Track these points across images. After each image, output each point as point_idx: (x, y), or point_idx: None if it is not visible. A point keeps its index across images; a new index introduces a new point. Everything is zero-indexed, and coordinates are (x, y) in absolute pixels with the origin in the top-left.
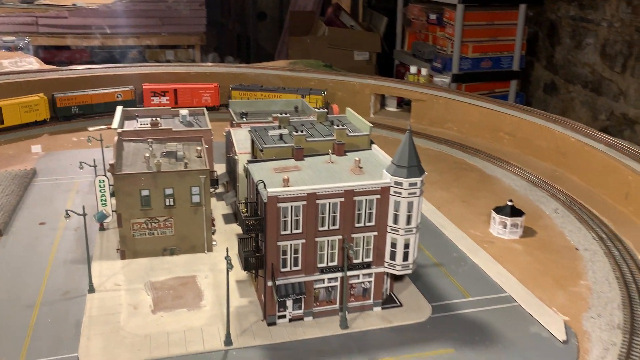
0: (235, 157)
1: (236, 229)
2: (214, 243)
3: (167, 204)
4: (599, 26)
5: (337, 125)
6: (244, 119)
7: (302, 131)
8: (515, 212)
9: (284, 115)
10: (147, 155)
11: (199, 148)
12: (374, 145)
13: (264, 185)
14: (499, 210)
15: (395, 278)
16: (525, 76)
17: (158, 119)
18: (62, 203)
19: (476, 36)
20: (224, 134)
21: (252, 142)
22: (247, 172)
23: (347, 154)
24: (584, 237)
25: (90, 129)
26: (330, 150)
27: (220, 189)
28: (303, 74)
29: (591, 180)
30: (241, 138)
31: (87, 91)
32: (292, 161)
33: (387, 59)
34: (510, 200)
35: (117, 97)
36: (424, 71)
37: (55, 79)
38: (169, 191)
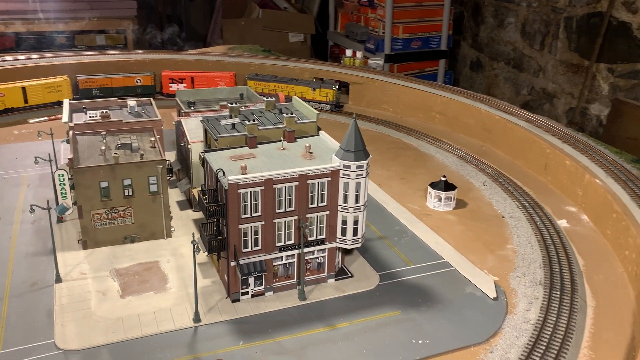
0: (188, 145)
1: (191, 214)
2: (172, 229)
3: (126, 194)
4: (519, 6)
5: (286, 114)
6: (192, 108)
7: (253, 120)
8: (448, 186)
9: (234, 104)
10: (103, 147)
11: (152, 139)
12: (321, 132)
13: (224, 173)
14: (434, 185)
15: (346, 252)
16: (453, 55)
17: (107, 110)
18: (14, 198)
19: (406, 17)
20: (174, 123)
21: (205, 131)
22: (203, 161)
23: (297, 140)
24: (509, 206)
25: (31, 121)
26: (281, 138)
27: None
28: (244, 60)
29: (514, 154)
30: (192, 127)
31: (108, 75)
32: (247, 149)
33: (321, 40)
34: (444, 176)
35: (137, 82)
36: (359, 54)
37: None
38: (127, 182)
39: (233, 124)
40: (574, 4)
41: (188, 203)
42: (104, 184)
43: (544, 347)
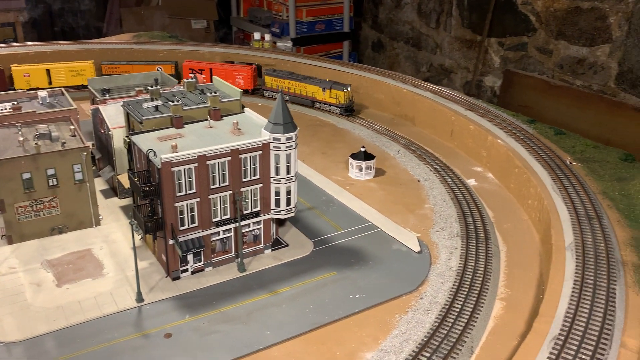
0: (109, 132)
1: (118, 202)
2: (100, 217)
3: (51, 184)
4: None
5: (208, 93)
6: (107, 95)
7: (176, 101)
8: (367, 156)
9: (154, 87)
10: (21, 139)
11: (72, 127)
12: (246, 109)
13: (155, 153)
14: (354, 156)
15: (280, 223)
16: (355, 37)
17: (17, 102)
18: None
19: (309, 0)
20: (89, 112)
21: (128, 115)
22: (130, 145)
23: (223, 118)
24: (423, 170)
25: None
26: (207, 117)
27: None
28: (152, 47)
29: (422, 123)
30: (112, 113)
31: (131, 62)
32: (173, 129)
33: (225, 26)
34: (363, 147)
35: (158, 70)
36: (267, 37)
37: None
38: (51, 171)
39: (156, 106)
40: None
41: (112, 191)
42: (26, 175)
43: (467, 289)
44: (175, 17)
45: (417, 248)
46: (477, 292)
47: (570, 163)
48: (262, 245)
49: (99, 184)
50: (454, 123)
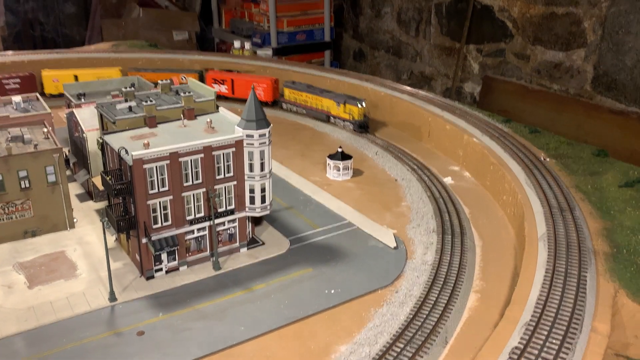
0: (83, 134)
1: (93, 205)
2: (75, 220)
3: (23, 186)
4: None
5: (183, 94)
6: (82, 100)
7: (149, 102)
8: (345, 156)
9: (128, 89)
10: None
11: (45, 130)
12: (220, 108)
13: (126, 151)
14: (331, 157)
15: (256, 222)
16: (337, 46)
17: None
18: None
19: (289, 11)
20: (64, 117)
21: (101, 117)
22: (103, 145)
23: (197, 117)
24: (400, 170)
25: None
26: (181, 116)
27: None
28: (129, 55)
29: (400, 125)
30: (86, 116)
31: (157, 70)
32: (147, 129)
33: (206, 38)
34: (340, 147)
35: (182, 79)
36: (247, 45)
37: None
38: (23, 173)
39: (130, 107)
40: None
41: (88, 195)
42: None
43: (441, 282)
44: (156, 29)
45: (393, 244)
46: (452, 285)
47: (545, 159)
48: (237, 243)
49: (75, 188)
50: (430, 124)
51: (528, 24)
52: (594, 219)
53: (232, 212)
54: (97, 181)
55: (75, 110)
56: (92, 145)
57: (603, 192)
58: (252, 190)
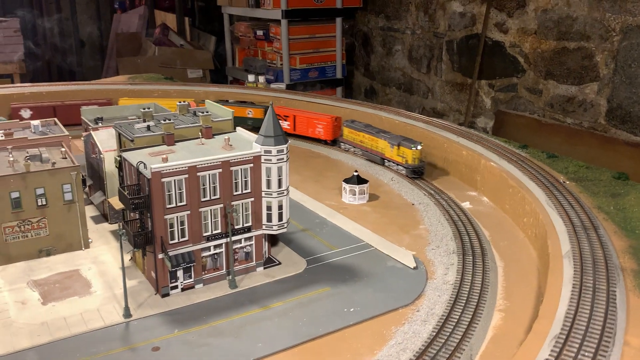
0: (101, 155)
1: (108, 227)
2: (90, 240)
3: (40, 204)
4: (404, 34)
5: (201, 114)
6: (100, 124)
7: (168, 121)
8: (361, 180)
9: (147, 110)
10: (11, 159)
11: (62, 149)
12: (238, 128)
13: (145, 165)
14: (347, 180)
15: (272, 243)
16: (348, 83)
17: (10, 129)
18: None
19: (301, 48)
20: (82, 139)
21: (119, 136)
22: (120, 162)
23: (214, 137)
24: (417, 195)
25: None
26: (199, 134)
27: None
28: (146, 87)
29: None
30: (103, 138)
31: (235, 103)
32: (165, 147)
33: (220, 76)
34: (356, 171)
35: (248, 113)
36: (261, 79)
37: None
38: (40, 191)
39: (148, 126)
40: (453, 28)
41: (103, 217)
42: (14, 194)
43: (464, 301)
44: (170, 67)
45: (412, 264)
46: (474, 304)
47: (564, 182)
48: (254, 262)
49: (90, 211)
50: (447, 150)
51: (540, 58)
52: (618, 238)
53: (249, 229)
54: (114, 201)
55: (92, 132)
56: (109, 166)
57: (626, 213)
58: (269, 207)
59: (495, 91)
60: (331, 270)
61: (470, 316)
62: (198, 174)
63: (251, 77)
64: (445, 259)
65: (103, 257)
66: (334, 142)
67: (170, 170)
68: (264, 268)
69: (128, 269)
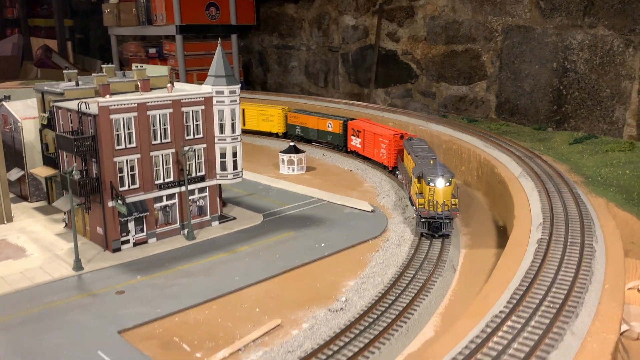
0: (18, 124)
1: (29, 205)
2: (12, 215)
3: None
4: (299, 50)
5: (135, 68)
6: (8, 100)
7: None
8: (297, 150)
9: (71, 71)
10: None
11: None
12: (177, 83)
13: (87, 105)
14: (285, 151)
15: (222, 203)
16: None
17: None
18: None
19: (198, 65)
20: None
21: (43, 98)
22: (50, 118)
23: (152, 90)
24: (352, 163)
25: None
26: (135, 88)
27: None
28: None
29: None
30: (19, 108)
31: (312, 114)
32: (100, 98)
33: None
34: (292, 142)
35: (328, 126)
36: None
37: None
38: None
39: (77, 82)
40: (347, 41)
41: (21, 198)
42: None
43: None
44: None
45: (369, 208)
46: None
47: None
48: (208, 216)
49: None
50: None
51: (431, 63)
52: (558, 164)
53: (202, 178)
54: (38, 172)
55: (5, 103)
56: (27, 136)
57: (557, 150)
58: (223, 155)
59: (392, 98)
60: (290, 220)
61: (441, 239)
62: (148, 112)
63: None
64: (399, 203)
65: (31, 227)
66: (393, 170)
67: (119, 107)
68: (220, 222)
69: (63, 235)
